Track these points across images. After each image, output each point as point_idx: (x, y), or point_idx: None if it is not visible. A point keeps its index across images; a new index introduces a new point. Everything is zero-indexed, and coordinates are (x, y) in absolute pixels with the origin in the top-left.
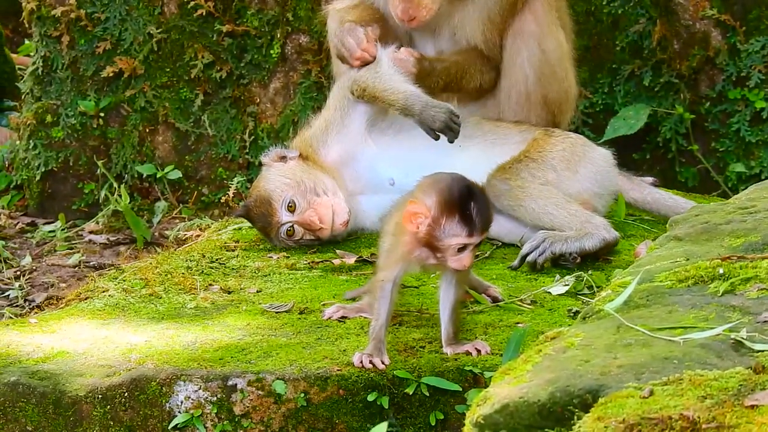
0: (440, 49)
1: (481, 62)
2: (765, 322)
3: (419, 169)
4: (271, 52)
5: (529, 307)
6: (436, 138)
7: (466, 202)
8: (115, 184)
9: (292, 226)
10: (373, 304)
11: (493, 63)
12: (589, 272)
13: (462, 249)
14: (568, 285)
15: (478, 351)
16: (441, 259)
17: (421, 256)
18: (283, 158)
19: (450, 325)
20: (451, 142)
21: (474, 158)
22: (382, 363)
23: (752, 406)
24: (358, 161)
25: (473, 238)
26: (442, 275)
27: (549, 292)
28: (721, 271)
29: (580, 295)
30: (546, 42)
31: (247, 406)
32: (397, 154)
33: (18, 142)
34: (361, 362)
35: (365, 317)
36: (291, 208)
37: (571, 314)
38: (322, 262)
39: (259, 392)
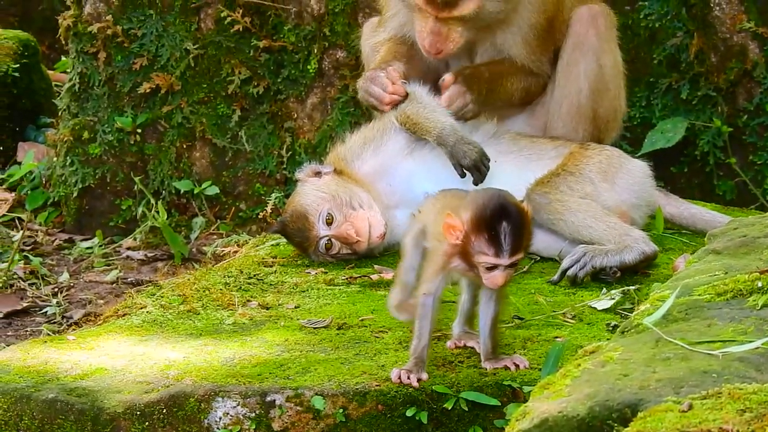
0: None
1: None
2: None
3: (454, 184)
4: (308, 67)
5: (571, 321)
6: (462, 175)
7: (496, 222)
8: (153, 201)
9: (330, 240)
10: (413, 316)
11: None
12: (636, 287)
13: (492, 268)
14: (614, 299)
15: (517, 366)
16: (477, 275)
17: (459, 267)
18: (317, 173)
19: (489, 340)
20: (476, 184)
21: (509, 173)
22: (418, 380)
23: None
24: (392, 175)
25: (501, 260)
26: (483, 290)
27: (594, 307)
28: (759, 284)
29: (619, 309)
30: (604, 57)
31: (286, 422)
32: (432, 169)
33: (55, 159)
34: (399, 377)
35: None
36: (329, 221)
37: (610, 328)
38: (360, 277)
39: (298, 408)
